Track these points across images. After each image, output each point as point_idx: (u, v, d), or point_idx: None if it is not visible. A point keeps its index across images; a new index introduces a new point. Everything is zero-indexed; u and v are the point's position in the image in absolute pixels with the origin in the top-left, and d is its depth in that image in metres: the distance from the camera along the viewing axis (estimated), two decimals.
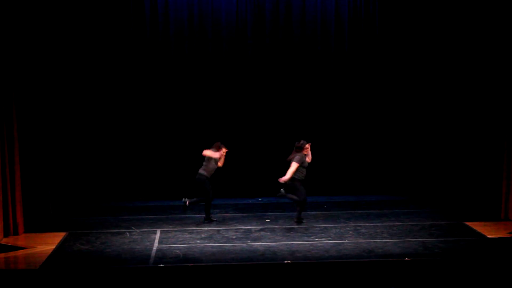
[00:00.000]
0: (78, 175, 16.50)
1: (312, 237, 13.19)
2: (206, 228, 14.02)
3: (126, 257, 12.10)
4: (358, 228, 13.93)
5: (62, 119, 15.95)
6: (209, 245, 12.78)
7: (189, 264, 11.59)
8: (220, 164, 14.39)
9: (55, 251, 12.55)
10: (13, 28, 13.88)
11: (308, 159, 14.17)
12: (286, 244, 12.76)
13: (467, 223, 14.18)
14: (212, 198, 14.38)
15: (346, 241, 12.93)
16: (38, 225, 14.38)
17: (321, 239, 13.06)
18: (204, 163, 14.30)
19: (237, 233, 13.63)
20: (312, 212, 15.25)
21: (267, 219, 14.83)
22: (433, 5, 16.57)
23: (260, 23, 16.92)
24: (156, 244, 12.87)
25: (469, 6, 15.74)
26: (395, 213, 15.31)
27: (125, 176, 16.91)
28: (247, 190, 17.06)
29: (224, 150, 14.31)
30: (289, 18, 16.94)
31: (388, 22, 16.95)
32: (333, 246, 12.58)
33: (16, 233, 13.84)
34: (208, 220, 14.42)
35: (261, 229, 13.91)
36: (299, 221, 14.15)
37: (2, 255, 12.44)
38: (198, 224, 14.37)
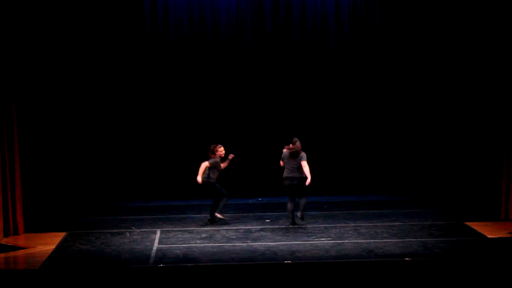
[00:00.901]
0: (78, 175, 16.50)
1: (312, 237, 13.19)
2: (206, 228, 14.01)
3: (126, 257, 12.10)
4: (358, 228, 13.93)
5: (62, 119, 15.95)
6: (209, 245, 12.78)
7: (189, 264, 11.59)
8: (223, 165, 14.31)
9: (55, 251, 12.55)
10: (13, 28, 13.88)
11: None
12: (286, 244, 12.75)
13: (467, 223, 14.18)
14: (226, 198, 14.31)
15: (346, 241, 12.92)
16: (38, 225, 14.38)
17: (321, 239, 13.06)
18: (210, 170, 14.20)
19: (237, 233, 13.63)
20: (312, 212, 15.25)
21: (267, 219, 14.83)
22: (433, 5, 16.57)
23: (260, 23, 16.92)
24: (156, 244, 12.86)
25: (469, 6, 15.74)
26: (395, 213, 15.31)
27: (125, 176, 16.91)
28: (247, 190, 17.06)
29: (222, 153, 14.21)
30: (289, 18, 16.94)
31: (388, 22, 16.94)
32: (333, 246, 12.57)
33: (16, 233, 13.84)
34: (211, 221, 14.35)
35: (261, 229, 13.91)
36: (302, 217, 14.12)
37: (2, 255, 12.43)
38: (198, 224, 14.38)
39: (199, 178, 14.02)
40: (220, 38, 16.91)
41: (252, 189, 17.09)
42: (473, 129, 15.85)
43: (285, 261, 11.67)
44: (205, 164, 14.07)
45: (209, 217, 14.34)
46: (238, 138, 16.85)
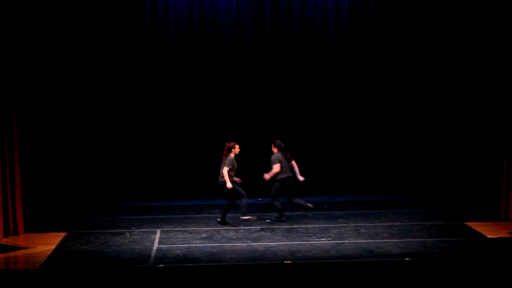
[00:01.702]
0: (78, 175, 16.51)
1: (312, 237, 13.19)
2: (206, 228, 14.01)
3: (126, 257, 12.10)
4: (358, 228, 13.93)
5: (62, 119, 15.96)
6: (209, 245, 12.78)
7: (189, 264, 11.59)
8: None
9: (55, 251, 12.55)
10: (13, 27, 13.88)
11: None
12: (286, 244, 12.75)
13: (467, 223, 14.18)
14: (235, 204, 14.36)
15: (346, 241, 12.93)
16: (38, 225, 14.39)
17: (321, 239, 13.06)
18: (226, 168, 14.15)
19: (237, 233, 13.63)
20: (312, 212, 15.23)
21: (267, 219, 14.83)
22: (433, 4, 16.58)
23: (260, 23, 16.91)
24: (156, 244, 12.86)
25: (469, 6, 15.75)
26: (395, 213, 15.31)
27: (125, 176, 16.91)
28: (247, 190, 17.00)
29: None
30: (289, 18, 16.93)
31: (388, 21, 16.94)
32: (333, 246, 12.58)
33: (16, 233, 13.84)
34: (222, 223, 14.31)
35: (261, 229, 13.91)
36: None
37: (2, 255, 12.44)
38: (198, 224, 14.37)
39: (229, 185, 13.96)
40: (220, 38, 16.90)
41: (252, 189, 17.07)
42: (473, 129, 15.86)
43: (285, 261, 11.68)
44: (226, 170, 13.99)
45: (219, 219, 14.32)
46: (238, 138, 16.80)
